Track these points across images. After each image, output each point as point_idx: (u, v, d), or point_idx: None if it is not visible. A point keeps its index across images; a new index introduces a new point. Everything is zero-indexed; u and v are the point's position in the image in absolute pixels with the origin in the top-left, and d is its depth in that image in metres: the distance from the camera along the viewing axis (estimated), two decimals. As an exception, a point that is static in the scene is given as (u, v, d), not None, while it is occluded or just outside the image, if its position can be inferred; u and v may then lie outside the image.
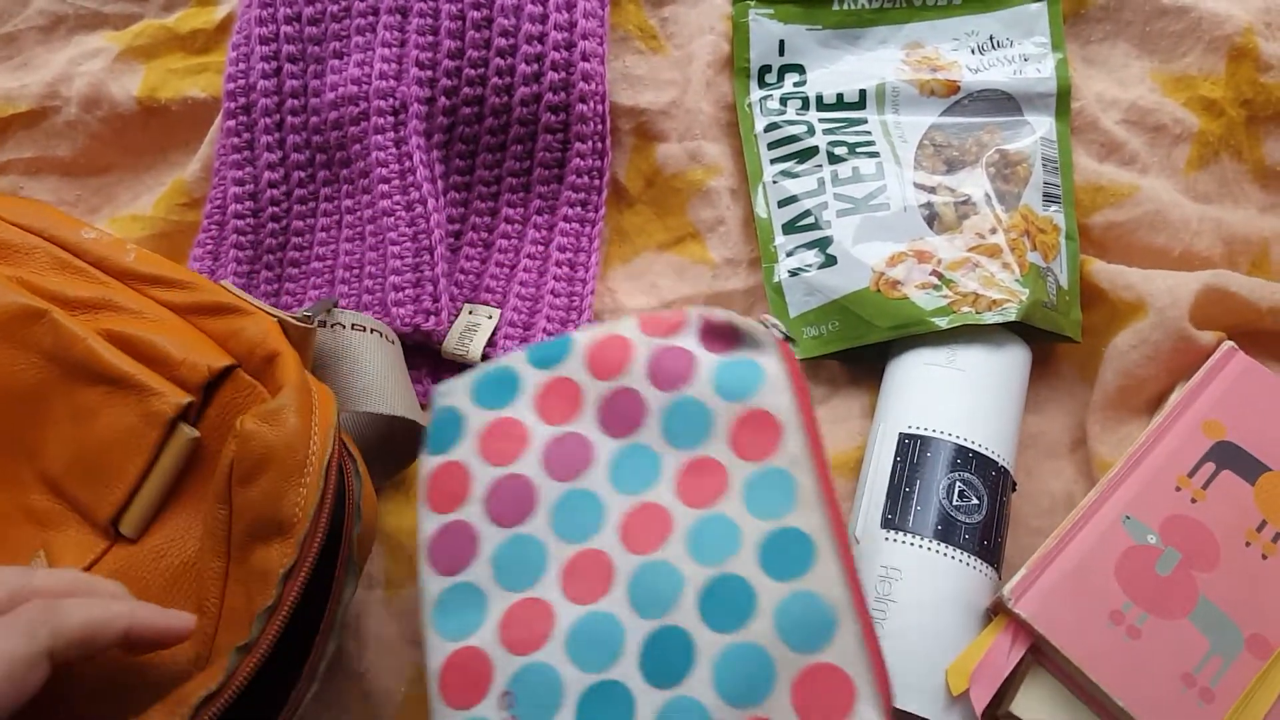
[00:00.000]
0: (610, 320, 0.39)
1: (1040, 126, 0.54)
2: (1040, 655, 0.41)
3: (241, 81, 0.55)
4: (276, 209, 0.54)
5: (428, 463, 0.38)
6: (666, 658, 0.32)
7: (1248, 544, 0.41)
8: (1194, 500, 0.42)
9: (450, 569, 0.35)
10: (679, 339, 0.38)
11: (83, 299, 0.36)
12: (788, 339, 0.38)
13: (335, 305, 0.43)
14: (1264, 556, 0.41)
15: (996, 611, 0.42)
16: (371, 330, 0.43)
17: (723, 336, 0.38)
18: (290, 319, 0.38)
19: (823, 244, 0.51)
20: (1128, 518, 0.42)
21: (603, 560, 0.35)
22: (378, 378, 0.42)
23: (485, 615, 0.34)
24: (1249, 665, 0.39)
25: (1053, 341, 0.50)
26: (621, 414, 0.37)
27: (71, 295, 0.36)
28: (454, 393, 0.39)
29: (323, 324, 0.42)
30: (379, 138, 0.52)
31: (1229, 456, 0.44)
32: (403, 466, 0.47)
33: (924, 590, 0.42)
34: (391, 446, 0.47)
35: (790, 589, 0.33)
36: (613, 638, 0.33)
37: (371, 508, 0.38)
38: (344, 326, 0.42)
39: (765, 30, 0.56)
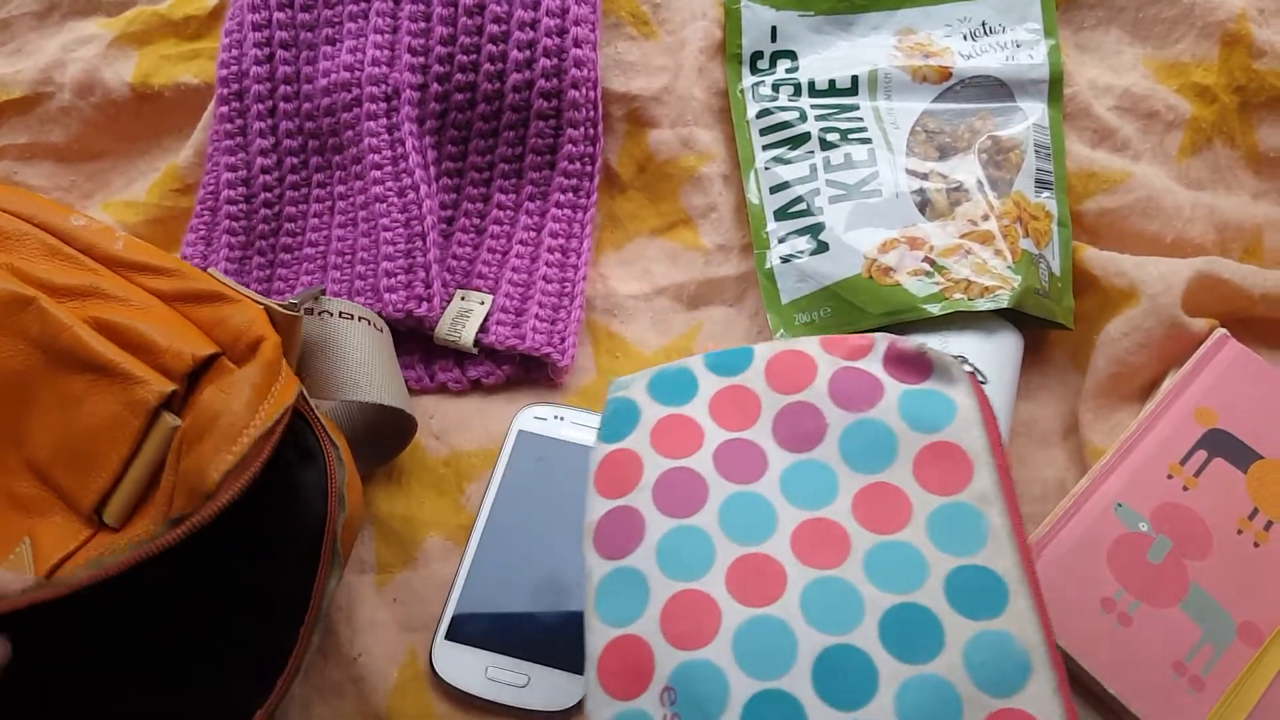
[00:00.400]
0: (791, 338, 0.38)
1: (1033, 113, 0.53)
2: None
3: (234, 68, 0.54)
4: (269, 195, 0.53)
5: (599, 450, 0.37)
6: (844, 676, 0.30)
7: (1239, 532, 0.40)
8: (1186, 488, 0.42)
9: (614, 553, 0.34)
10: (863, 363, 0.36)
11: (70, 286, 0.35)
12: (977, 374, 0.36)
13: (323, 293, 0.42)
14: (1256, 544, 0.40)
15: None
16: (360, 318, 0.43)
17: (911, 365, 0.36)
18: (276, 306, 0.38)
19: (815, 230, 0.50)
20: (1119, 505, 0.41)
21: (773, 566, 0.33)
22: (365, 366, 0.41)
23: (647, 603, 0.33)
24: (1240, 654, 0.38)
25: (1045, 328, 0.49)
26: (799, 429, 0.36)
27: (59, 283, 0.35)
28: (630, 386, 0.38)
29: (310, 312, 0.41)
30: (371, 124, 0.51)
31: (1221, 444, 0.43)
32: (391, 455, 0.47)
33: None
34: (380, 437, 0.46)
35: (981, 628, 0.31)
36: (784, 646, 0.31)
37: (357, 496, 0.37)
38: (331, 314, 0.42)
39: (757, 16, 0.55)
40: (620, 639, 0.32)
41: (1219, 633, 0.38)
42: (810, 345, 0.37)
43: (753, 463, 0.35)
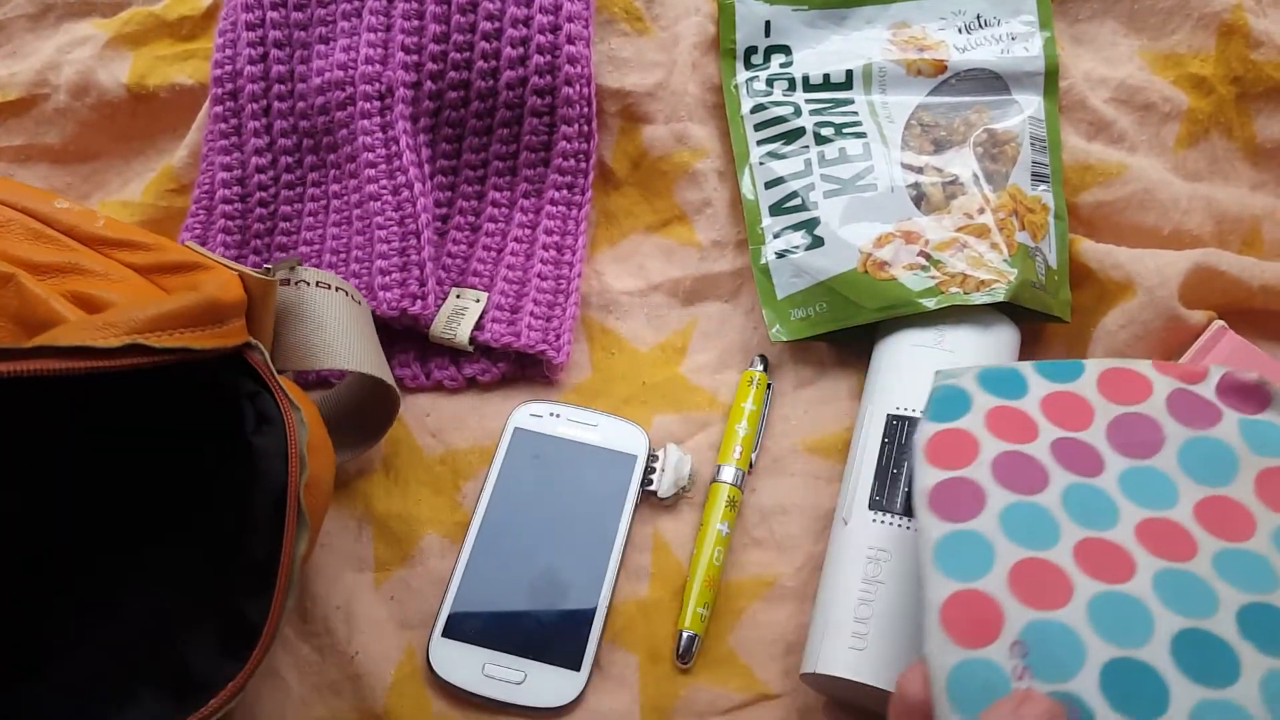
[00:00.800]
0: (1120, 359, 0.39)
1: (1028, 106, 0.52)
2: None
3: (228, 68, 0.54)
4: (264, 194, 0.53)
5: (927, 427, 0.37)
6: (1206, 657, 0.30)
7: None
8: None
9: (953, 517, 0.34)
10: (1199, 388, 0.37)
11: (50, 264, 0.35)
12: None
13: (300, 263, 0.42)
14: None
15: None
16: (337, 288, 0.42)
17: (1249, 396, 0.36)
18: (250, 272, 0.38)
19: (810, 225, 0.50)
20: None
21: (1121, 552, 0.33)
22: (341, 334, 0.41)
23: (993, 564, 0.33)
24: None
25: (1041, 321, 0.48)
26: (1135, 437, 0.36)
27: (39, 260, 0.35)
28: (960, 376, 0.39)
29: (286, 281, 0.41)
30: (365, 122, 0.51)
31: None
32: (375, 435, 0.46)
33: (912, 571, 0.40)
34: (363, 416, 0.45)
35: None
36: (1141, 620, 0.31)
37: (325, 459, 0.36)
38: (308, 284, 0.41)
39: (751, 11, 0.54)
40: (965, 592, 0.32)
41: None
42: (1143, 366, 0.38)
43: (1090, 460, 0.36)
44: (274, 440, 0.34)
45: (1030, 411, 0.37)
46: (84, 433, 0.40)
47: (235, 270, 0.38)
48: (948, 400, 0.38)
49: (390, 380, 0.43)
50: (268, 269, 0.40)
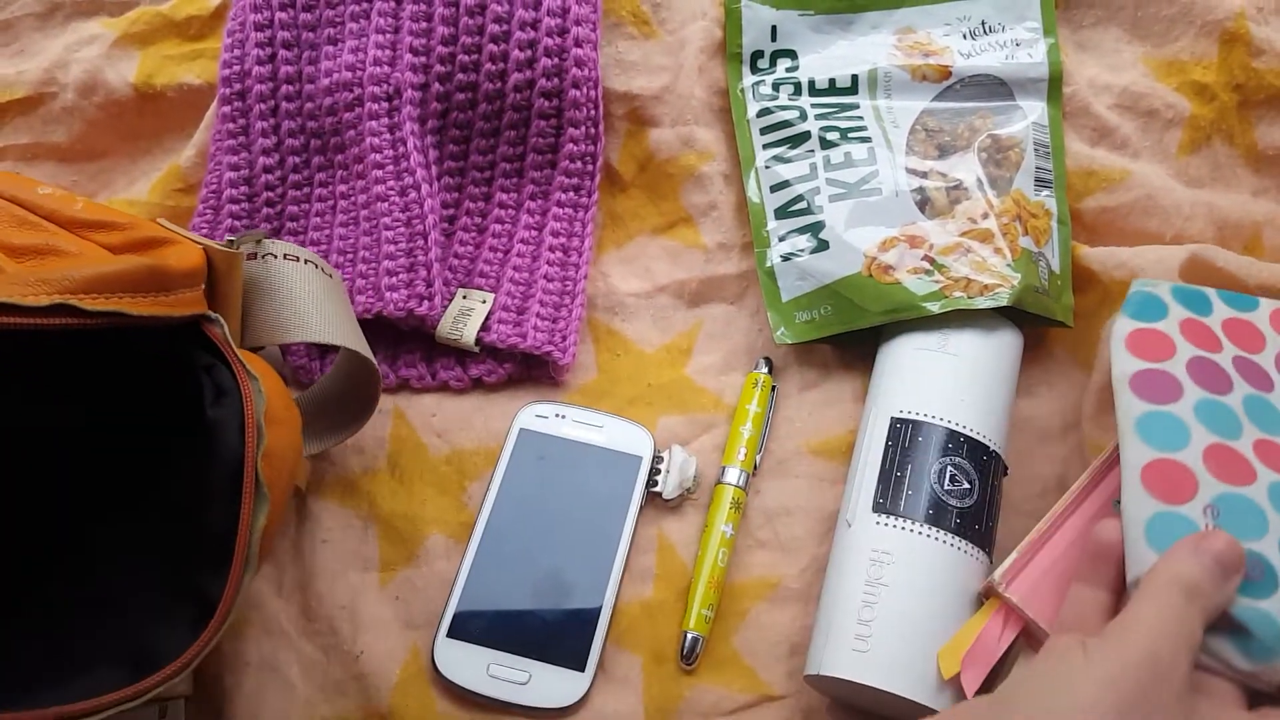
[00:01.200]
0: None
1: (1032, 112, 0.52)
2: (1031, 639, 0.39)
3: (236, 68, 0.54)
4: (271, 194, 0.53)
5: (1125, 324, 0.41)
6: None
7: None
8: None
9: (1153, 399, 0.38)
10: None
11: (28, 246, 0.35)
12: None
13: (266, 236, 0.41)
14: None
15: (987, 595, 0.40)
16: (306, 261, 0.42)
17: None
18: (214, 245, 0.38)
19: (815, 229, 0.50)
20: (1119, 502, 0.41)
21: None
22: (312, 306, 0.40)
23: (1188, 442, 0.37)
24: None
25: (1045, 326, 0.48)
26: None
27: (18, 244, 0.35)
28: (1156, 286, 0.43)
29: (253, 255, 0.41)
30: (373, 124, 0.51)
31: None
32: (360, 417, 0.45)
33: (915, 574, 0.40)
34: (346, 398, 0.45)
35: None
36: None
37: (287, 430, 0.36)
38: (275, 256, 0.41)
39: (757, 16, 0.54)
40: (1163, 460, 0.37)
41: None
42: None
43: (1263, 379, 0.40)
44: (230, 412, 0.34)
45: (1215, 328, 0.41)
46: (47, 409, 0.40)
47: (200, 244, 0.37)
48: (1147, 304, 0.42)
49: (368, 354, 0.42)
50: (231, 241, 0.39)
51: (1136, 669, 0.29)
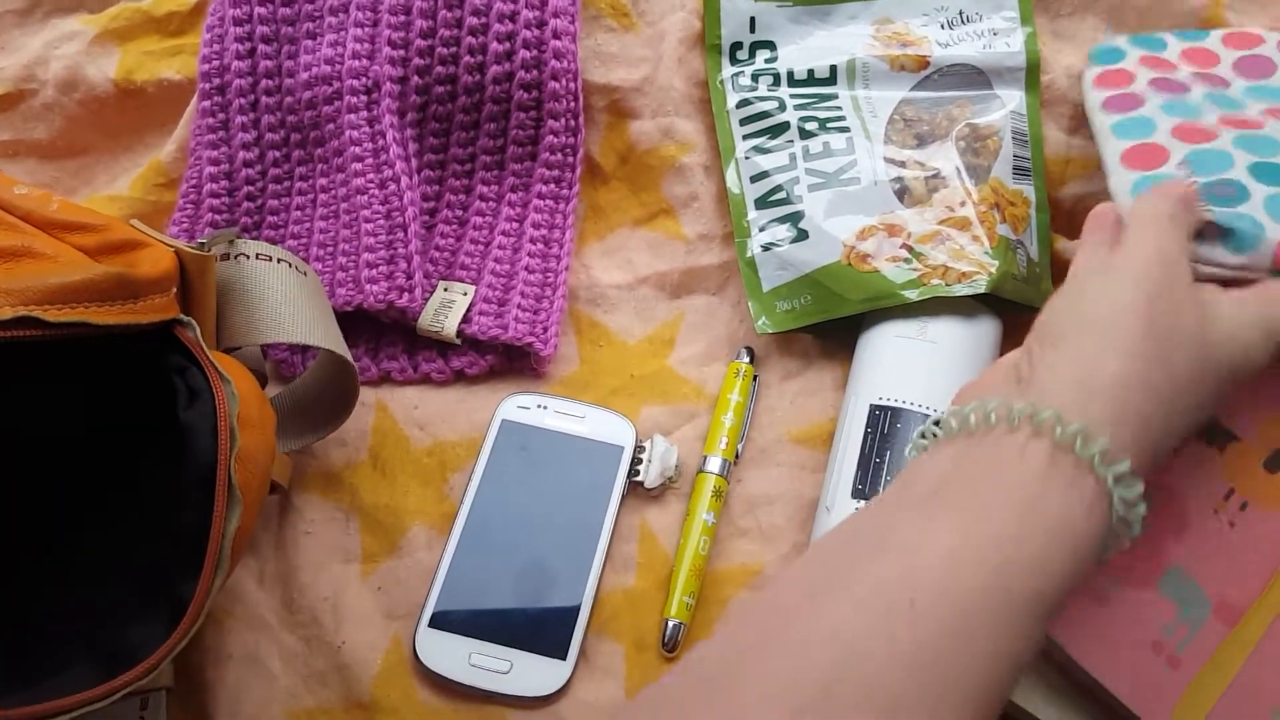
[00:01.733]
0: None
1: (1010, 100, 0.52)
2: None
3: (216, 63, 0.53)
4: (251, 188, 0.53)
5: (1091, 70, 0.49)
6: None
7: (1215, 512, 0.40)
8: (1163, 469, 0.41)
9: (1123, 109, 0.46)
10: None
11: (5, 248, 0.35)
12: None
13: (238, 236, 0.41)
14: (1231, 525, 0.39)
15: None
16: (279, 260, 0.41)
17: None
18: (185, 247, 0.37)
19: (794, 218, 0.49)
20: None
21: (1253, 120, 0.43)
22: (285, 306, 0.40)
23: (1157, 129, 0.44)
24: (1215, 631, 0.37)
25: (1023, 313, 0.48)
26: (1255, 67, 0.47)
27: None
28: (1117, 38, 0.51)
29: (225, 256, 0.40)
30: (352, 116, 0.50)
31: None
32: (339, 415, 0.45)
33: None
34: (323, 397, 0.45)
35: None
36: (1271, 143, 0.42)
37: (260, 433, 0.36)
38: (248, 257, 0.40)
39: (736, 7, 0.54)
40: (1138, 145, 0.43)
41: (1195, 611, 0.38)
42: (1258, 29, 0.50)
43: (1221, 82, 0.47)
44: (203, 414, 0.34)
45: (1171, 58, 0.49)
46: (18, 412, 0.39)
47: (171, 246, 0.37)
48: (1106, 52, 0.50)
49: (344, 352, 0.42)
50: (202, 243, 0.39)
51: (1153, 265, 0.34)
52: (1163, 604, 0.38)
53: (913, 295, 0.46)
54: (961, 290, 0.45)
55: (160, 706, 0.40)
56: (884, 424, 0.43)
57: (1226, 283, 0.39)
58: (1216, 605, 0.38)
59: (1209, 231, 0.40)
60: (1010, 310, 0.47)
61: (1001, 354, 0.47)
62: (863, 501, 0.42)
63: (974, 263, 0.46)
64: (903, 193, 0.49)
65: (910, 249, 0.47)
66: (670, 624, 0.43)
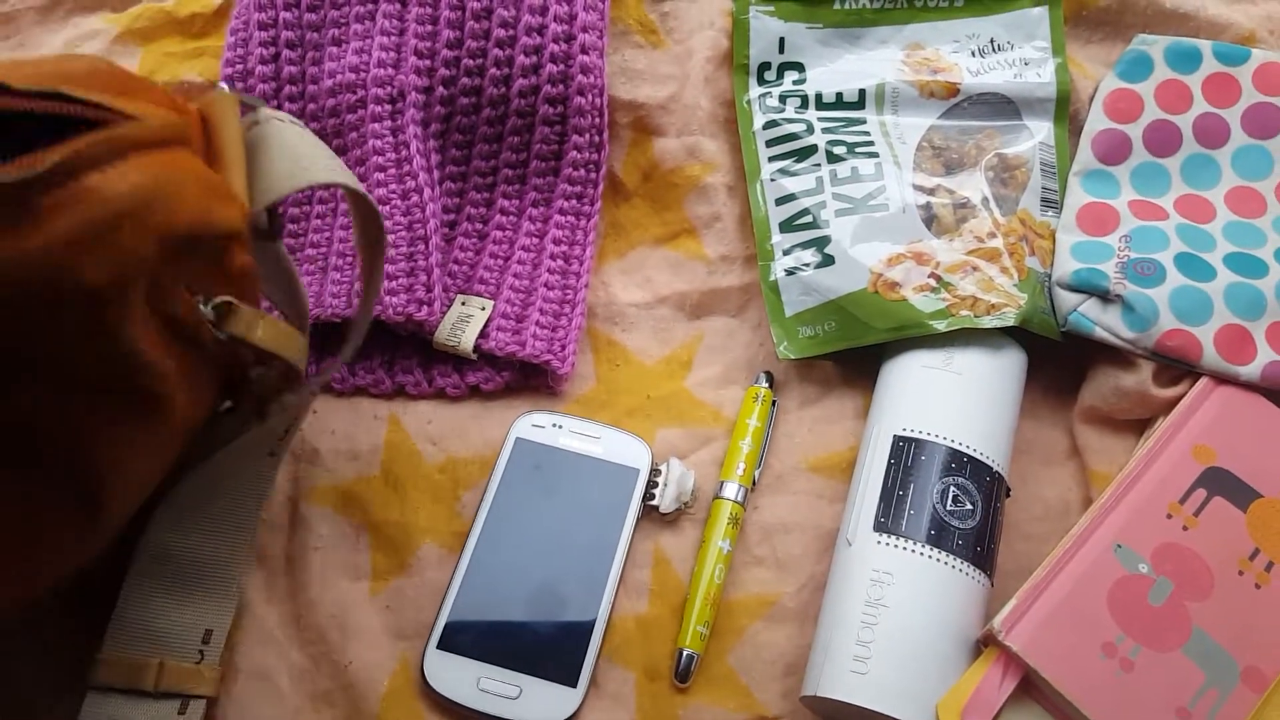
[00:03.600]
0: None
1: (1039, 131, 0.51)
2: (1032, 688, 0.38)
3: (239, 67, 0.52)
4: (271, 195, 0.51)
5: (1109, 82, 0.50)
6: (1247, 270, 0.44)
7: (1241, 573, 0.38)
8: (1186, 528, 0.40)
9: (1102, 159, 0.48)
10: None
11: None
12: None
13: (262, 104, 0.38)
14: (1257, 586, 0.38)
15: (987, 643, 0.39)
16: (290, 121, 0.38)
17: None
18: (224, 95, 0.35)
19: (820, 243, 0.48)
20: (1119, 546, 0.39)
21: (1208, 205, 0.47)
22: (312, 153, 0.37)
23: (1119, 194, 0.48)
24: (1245, 699, 0.36)
25: (1048, 346, 0.47)
26: (1266, 122, 0.48)
27: None
28: (1153, 45, 0.49)
29: (254, 124, 0.37)
30: (376, 126, 0.49)
31: (1220, 483, 0.41)
32: (376, 261, 0.42)
33: (916, 595, 0.39)
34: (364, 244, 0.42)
35: None
36: (1208, 240, 0.45)
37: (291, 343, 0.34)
38: (259, 122, 0.37)
39: (765, 27, 0.53)
40: (1096, 204, 0.47)
41: (1223, 677, 0.36)
42: None
43: (1219, 133, 0.48)
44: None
45: (1193, 87, 0.49)
46: None
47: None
48: (1135, 63, 0.49)
49: (363, 190, 0.39)
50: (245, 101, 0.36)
51: None
52: (1189, 669, 0.37)
53: (941, 326, 0.44)
54: (990, 322, 0.44)
55: (198, 713, 0.39)
56: (907, 456, 0.42)
57: (1115, 353, 0.44)
58: (1245, 670, 0.36)
59: (1113, 302, 0.44)
60: (1036, 343, 0.46)
61: (1026, 389, 0.46)
62: (885, 535, 0.41)
63: (1003, 295, 0.45)
64: (931, 220, 0.48)
65: (939, 278, 0.46)
66: (684, 654, 0.42)
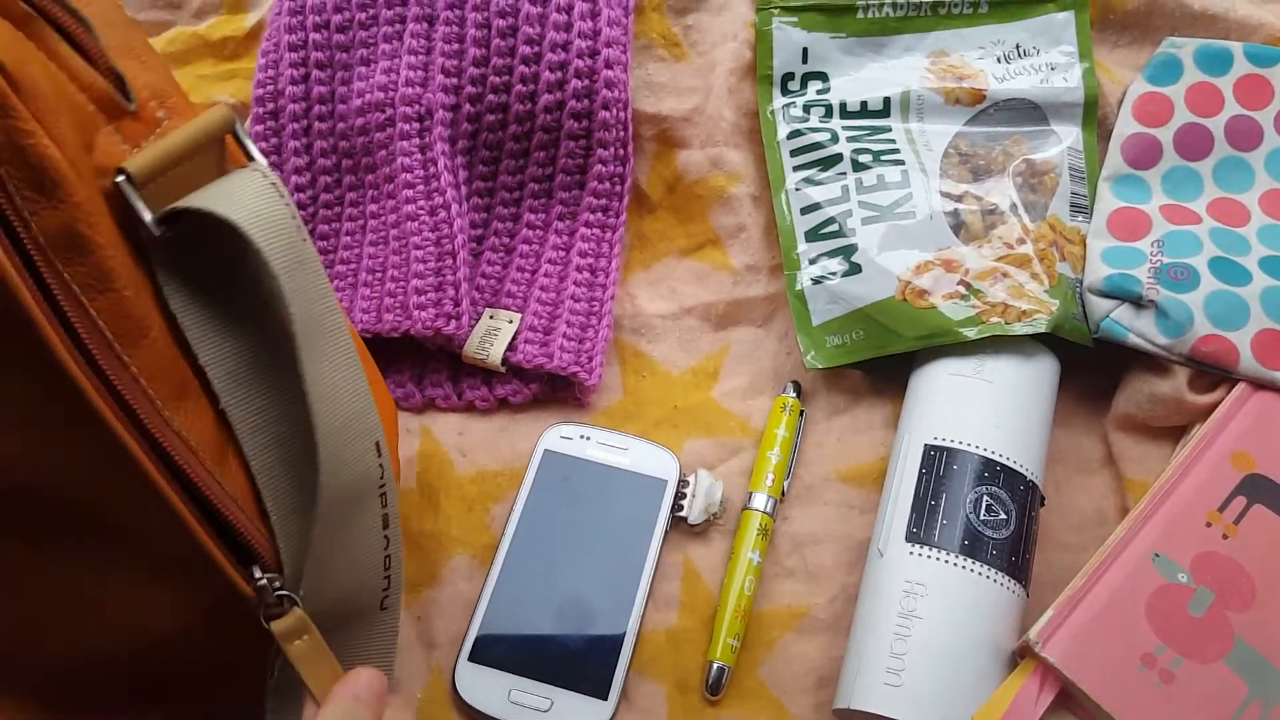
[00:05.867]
0: None
1: (1067, 136, 0.50)
2: (1069, 700, 0.36)
3: (270, 88, 0.52)
4: (303, 213, 0.51)
5: (1138, 86, 0.49)
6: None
7: (1285, 580, 0.37)
8: (1225, 536, 0.38)
9: (1132, 163, 0.47)
10: None
11: None
12: None
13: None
14: (1301, 593, 0.37)
15: (1023, 655, 0.37)
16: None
17: None
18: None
19: (847, 252, 0.47)
20: (1157, 555, 0.38)
21: (1242, 209, 0.46)
22: None
23: (1149, 199, 0.46)
24: (1293, 709, 0.34)
25: (1080, 352, 0.46)
26: None
27: None
28: (1182, 47, 0.48)
29: None
30: (404, 144, 0.49)
31: (1260, 490, 0.39)
32: None
33: (950, 606, 0.38)
34: None
35: None
36: (1242, 243, 0.44)
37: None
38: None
39: (789, 38, 0.52)
40: (1127, 209, 0.46)
41: (1267, 688, 0.34)
42: None
43: (1252, 136, 0.47)
44: None
45: (1224, 89, 0.47)
46: None
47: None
48: (1164, 67, 0.48)
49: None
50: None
51: None
52: (1232, 681, 0.35)
53: (971, 333, 0.43)
54: (1021, 329, 0.43)
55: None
56: (939, 465, 0.41)
57: (1150, 359, 0.43)
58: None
59: (1147, 307, 0.43)
60: (1069, 350, 0.45)
61: (1059, 396, 0.45)
62: (917, 545, 0.39)
63: (1034, 301, 0.44)
64: (959, 227, 0.47)
65: (968, 285, 0.45)
66: (714, 666, 0.41)
